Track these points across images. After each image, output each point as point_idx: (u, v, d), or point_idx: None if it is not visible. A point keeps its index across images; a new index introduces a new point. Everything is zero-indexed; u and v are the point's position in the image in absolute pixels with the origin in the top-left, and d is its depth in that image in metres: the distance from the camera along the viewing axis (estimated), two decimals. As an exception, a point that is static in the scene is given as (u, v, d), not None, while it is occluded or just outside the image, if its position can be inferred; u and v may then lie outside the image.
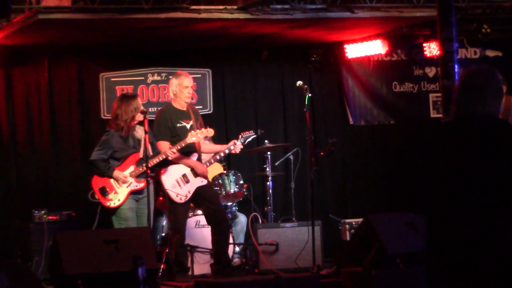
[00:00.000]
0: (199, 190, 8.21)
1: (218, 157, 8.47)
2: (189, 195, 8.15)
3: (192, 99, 10.32)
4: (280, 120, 10.93)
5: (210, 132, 8.02)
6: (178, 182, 8.16)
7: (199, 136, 7.97)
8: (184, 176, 8.18)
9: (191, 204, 8.42)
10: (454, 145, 3.81)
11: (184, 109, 8.26)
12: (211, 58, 10.68)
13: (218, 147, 8.64)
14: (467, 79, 3.88)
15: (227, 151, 8.38)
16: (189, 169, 8.20)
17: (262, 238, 8.70)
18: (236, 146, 8.35)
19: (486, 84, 3.83)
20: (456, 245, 3.73)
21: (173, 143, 8.09)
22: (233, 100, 10.82)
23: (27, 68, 10.12)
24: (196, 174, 8.20)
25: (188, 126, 8.21)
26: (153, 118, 9.90)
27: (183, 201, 8.13)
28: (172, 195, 8.11)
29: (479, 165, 3.72)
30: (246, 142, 8.57)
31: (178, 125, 8.16)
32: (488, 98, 3.82)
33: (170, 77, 8.36)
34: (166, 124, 8.15)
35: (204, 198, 8.24)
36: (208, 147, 8.66)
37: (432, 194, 3.83)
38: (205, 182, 8.27)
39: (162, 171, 8.15)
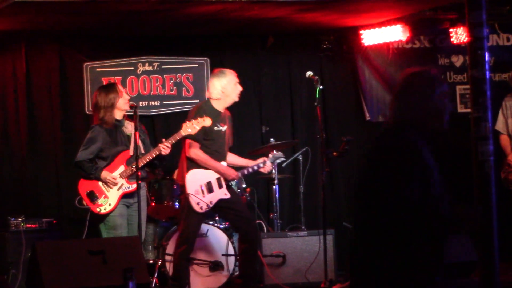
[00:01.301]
0: (221, 203, 8.21)
1: (246, 172, 8.47)
2: (210, 206, 8.14)
3: (188, 92, 10.40)
4: (288, 116, 10.93)
5: (208, 121, 7.94)
6: (202, 189, 8.16)
7: (195, 126, 7.89)
8: (208, 184, 8.17)
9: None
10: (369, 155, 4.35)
11: (222, 111, 8.28)
12: (209, 45, 10.68)
13: (242, 161, 8.58)
14: (398, 84, 4.36)
15: (256, 168, 8.44)
16: (215, 177, 8.18)
17: (267, 249, 8.75)
18: (266, 165, 8.41)
19: (406, 90, 4.27)
20: (357, 254, 4.26)
21: (204, 147, 8.09)
22: (234, 93, 10.81)
23: (2, 57, 10.12)
24: (221, 185, 8.19)
25: (223, 130, 8.24)
26: (144, 113, 9.92)
27: (203, 210, 8.11)
28: (193, 201, 8.08)
29: (377, 176, 4.17)
30: (275, 163, 8.62)
31: (216, 128, 8.14)
32: (409, 104, 4.23)
33: (212, 78, 8.30)
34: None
35: (229, 208, 8.23)
36: (231, 159, 8.54)
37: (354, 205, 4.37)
38: (228, 195, 8.24)
39: (187, 173, 8.12)
